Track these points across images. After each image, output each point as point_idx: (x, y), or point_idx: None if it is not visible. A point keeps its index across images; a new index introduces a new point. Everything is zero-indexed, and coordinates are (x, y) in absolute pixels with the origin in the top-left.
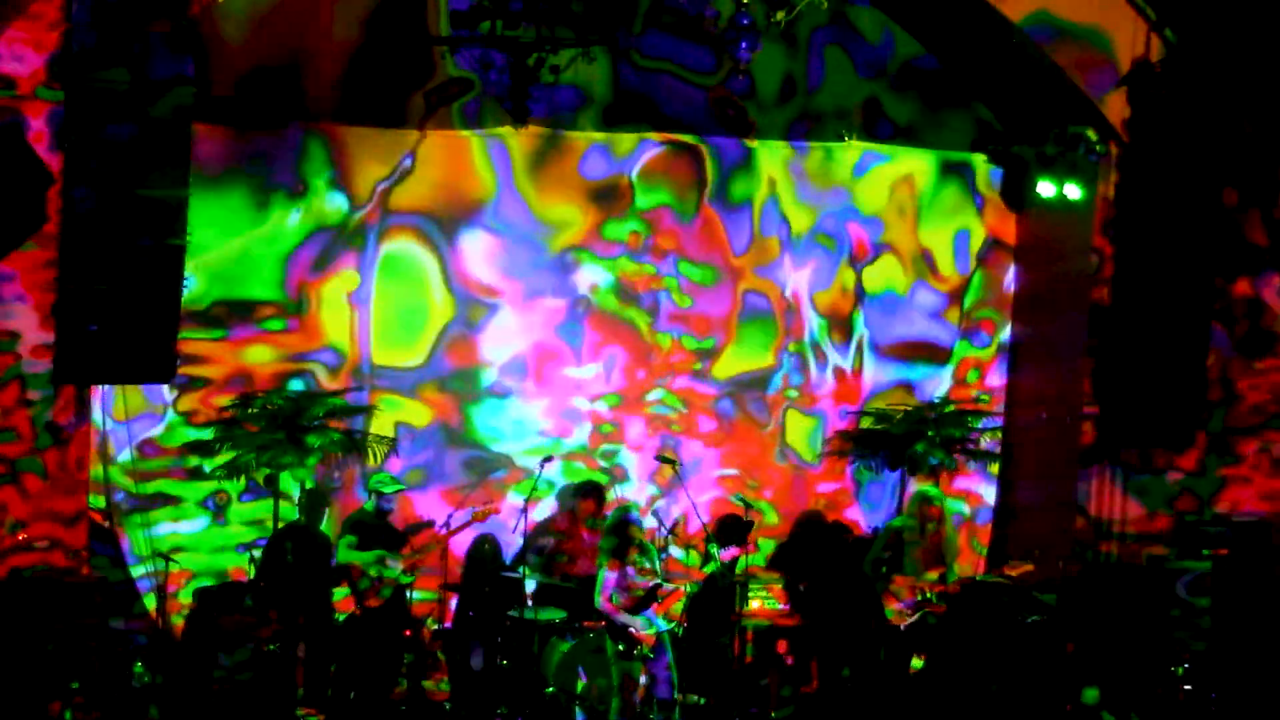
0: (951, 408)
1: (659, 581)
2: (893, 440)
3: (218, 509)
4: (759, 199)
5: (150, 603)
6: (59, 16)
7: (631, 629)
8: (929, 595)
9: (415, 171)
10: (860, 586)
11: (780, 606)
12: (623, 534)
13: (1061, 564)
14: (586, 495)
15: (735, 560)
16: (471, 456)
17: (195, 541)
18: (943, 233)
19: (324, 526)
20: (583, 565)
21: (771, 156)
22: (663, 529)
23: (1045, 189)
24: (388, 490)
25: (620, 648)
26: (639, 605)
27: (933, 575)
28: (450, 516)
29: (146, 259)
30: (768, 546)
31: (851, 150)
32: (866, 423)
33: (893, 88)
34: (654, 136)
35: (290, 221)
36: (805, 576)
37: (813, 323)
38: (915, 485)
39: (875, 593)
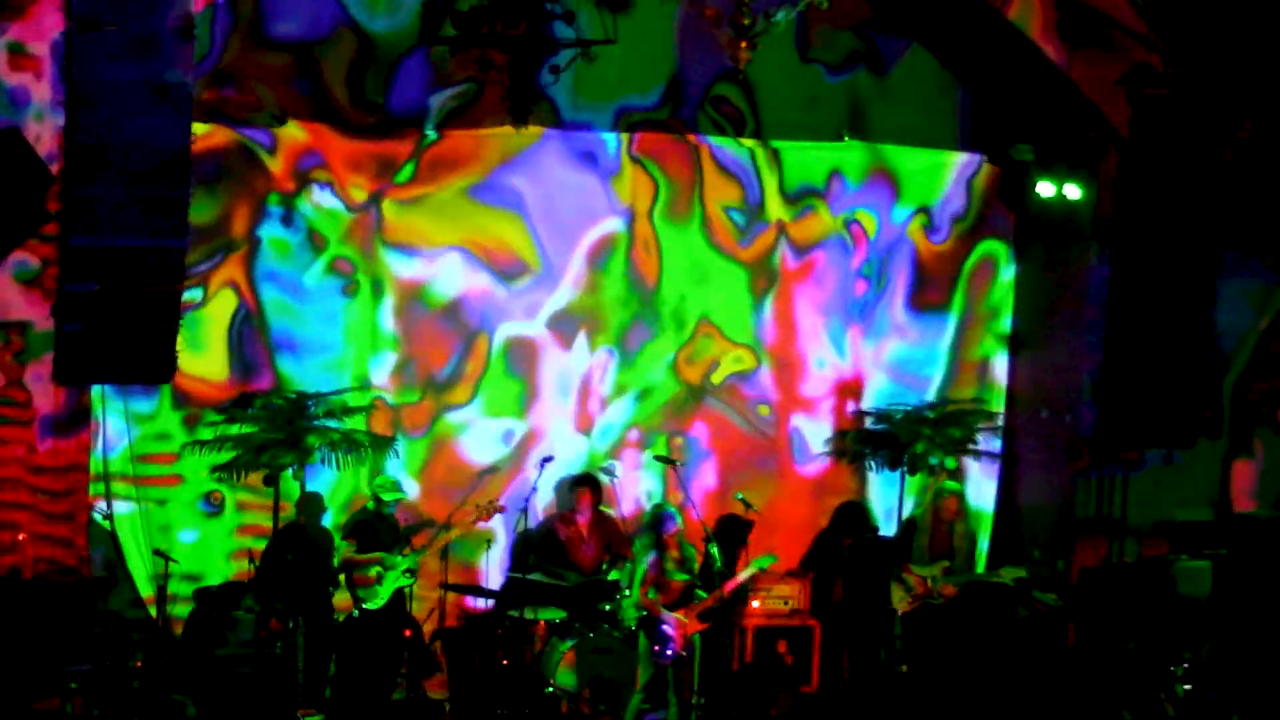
0: (952, 407)
1: (695, 581)
2: (892, 440)
3: (215, 509)
4: None
5: (150, 602)
6: (60, 15)
7: (666, 626)
8: (934, 587)
9: None
10: (879, 580)
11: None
12: (657, 530)
13: (1061, 564)
14: (583, 487)
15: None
16: None
17: (194, 541)
18: None
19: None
20: (584, 558)
21: None
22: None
23: (1045, 189)
24: (387, 497)
25: (653, 645)
26: (676, 603)
27: (936, 569)
28: (450, 516)
29: (147, 259)
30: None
31: None
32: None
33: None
34: None
35: None
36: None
37: None
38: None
39: (886, 586)
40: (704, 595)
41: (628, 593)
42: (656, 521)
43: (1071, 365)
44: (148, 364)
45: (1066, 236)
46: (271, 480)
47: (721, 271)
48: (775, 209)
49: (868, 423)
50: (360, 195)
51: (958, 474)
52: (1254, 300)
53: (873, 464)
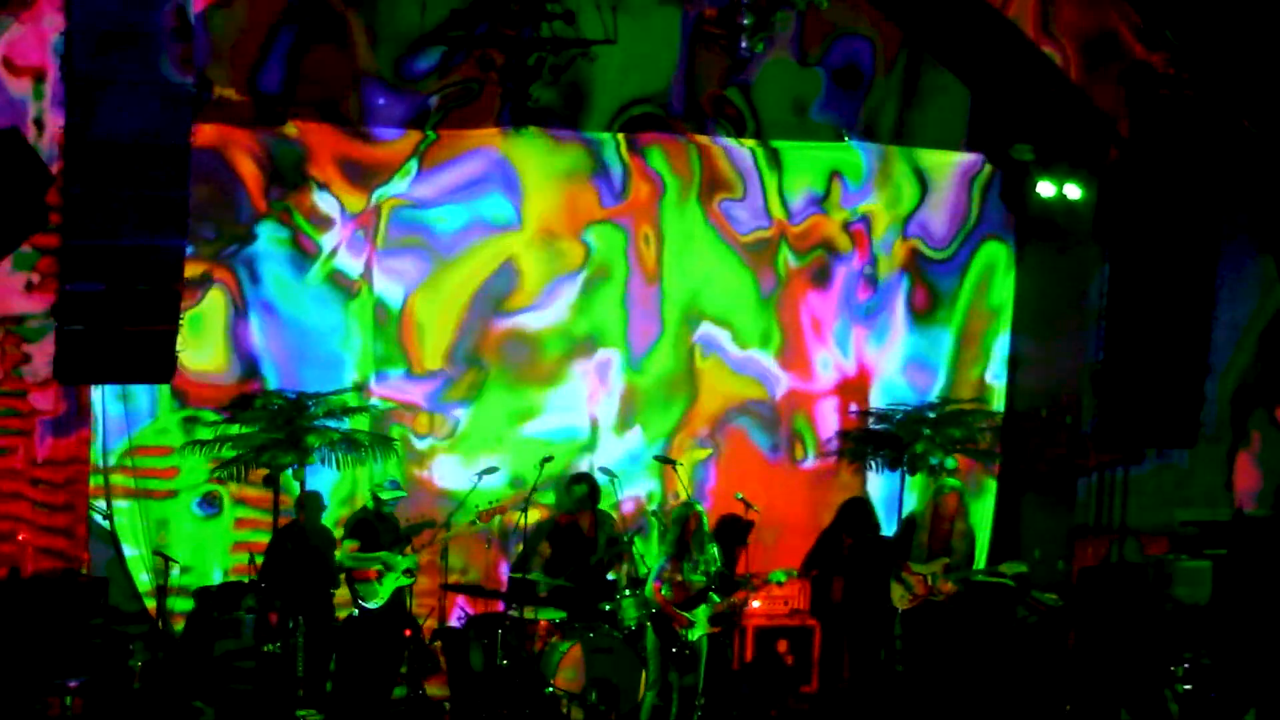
0: (951, 407)
1: (711, 584)
2: (893, 440)
3: (214, 510)
4: None
5: (150, 603)
6: (60, 15)
7: (675, 624)
8: (934, 585)
9: None
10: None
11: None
12: (681, 528)
13: (1061, 564)
14: (580, 485)
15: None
16: None
17: (194, 541)
18: None
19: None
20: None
21: None
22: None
23: (1045, 189)
24: (385, 496)
25: (661, 642)
26: (690, 603)
27: (936, 567)
28: (449, 517)
29: (147, 259)
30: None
31: None
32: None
33: None
34: None
35: None
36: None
37: None
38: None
39: (886, 585)
40: (717, 599)
41: (628, 593)
42: (681, 520)
43: (1071, 365)
44: (148, 364)
45: (1067, 236)
46: (272, 480)
47: (723, 272)
48: (776, 209)
49: (869, 423)
50: (359, 197)
51: (957, 472)
52: (1254, 299)
53: (873, 464)
